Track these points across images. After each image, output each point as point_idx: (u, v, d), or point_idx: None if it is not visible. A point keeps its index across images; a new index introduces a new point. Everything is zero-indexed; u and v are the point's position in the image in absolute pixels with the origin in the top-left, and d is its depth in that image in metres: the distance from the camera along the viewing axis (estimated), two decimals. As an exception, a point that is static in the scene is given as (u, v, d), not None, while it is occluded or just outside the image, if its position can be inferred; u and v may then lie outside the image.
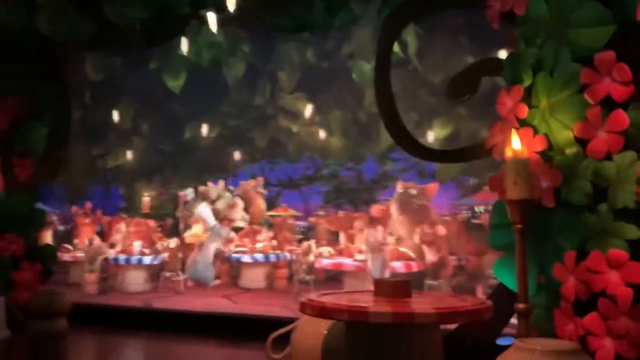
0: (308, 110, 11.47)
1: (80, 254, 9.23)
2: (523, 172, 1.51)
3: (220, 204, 10.59)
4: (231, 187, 11.26)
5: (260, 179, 11.36)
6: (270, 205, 11.98)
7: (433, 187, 8.65)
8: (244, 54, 10.09)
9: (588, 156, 1.47)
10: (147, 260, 8.68)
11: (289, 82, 11.00)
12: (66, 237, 11.19)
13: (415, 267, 7.04)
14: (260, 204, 11.06)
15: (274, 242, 9.43)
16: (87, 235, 9.67)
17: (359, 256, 7.19)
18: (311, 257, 7.94)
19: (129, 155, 13.54)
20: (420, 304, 1.39)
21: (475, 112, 9.41)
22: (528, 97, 1.68)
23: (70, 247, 9.85)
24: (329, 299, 1.48)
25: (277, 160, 14.86)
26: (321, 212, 11.07)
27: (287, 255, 9.11)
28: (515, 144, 1.56)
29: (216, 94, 11.71)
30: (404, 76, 9.15)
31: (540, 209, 1.57)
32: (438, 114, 10.02)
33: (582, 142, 1.49)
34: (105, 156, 13.62)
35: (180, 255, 8.75)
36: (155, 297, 7.91)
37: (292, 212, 11.20)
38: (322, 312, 1.37)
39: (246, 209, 10.85)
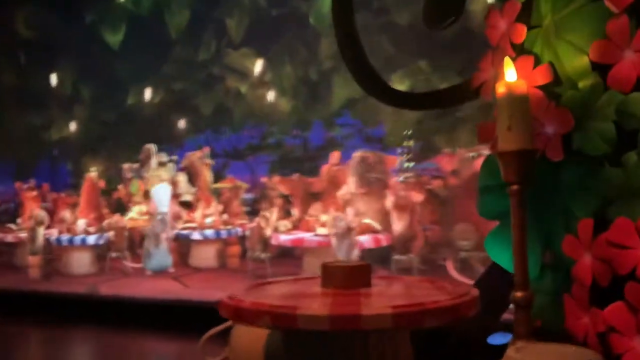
0: (257, 66, 10.99)
1: (24, 234, 9.11)
2: (520, 113, 1.19)
3: (164, 175, 10.29)
4: (174, 157, 11.11)
5: (207, 149, 11.18)
6: (217, 177, 11.88)
7: (392, 159, 8.46)
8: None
9: (610, 88, 1.14)
10: (91, 240, 8.52)
11: (237, 31, 10.44)
12: (12, 215, 11.07)
13: (384, 240, 6.82)
14: (207, 175, 10.89)
15: (225, 217, 9.12)
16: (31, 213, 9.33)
17: (320, 230, 6.91)
18: (267, 232, 7.62)
19: (73, 126, 13.34)
20: (377, 298, 1.08)
21: (438, 64, 9.19)
22: (527, 14, 1.34)
23: (13, 226, 9.77)
24: (256, 295, 1.13)
25: (222, 129, 14.94)
26: (274, 176, 10.96)
27: (239, 230, 8.88)
28: (510, 75, 1.23)
29: (159, 51, 11.17)
30: (363, 19, 8.76)
31: (544, 164, 1.26)
32: (396, 67, 9.74)
33: (601, 68, 1.16)
34: (49, 127, 13.32)
35: (126, 234, 8.46)
36: (101, 280, 7.76)
37: (239, 183, 11.13)
38: (238, 316, 1.04)
39: (191, 182, 10.59)
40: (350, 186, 8.06)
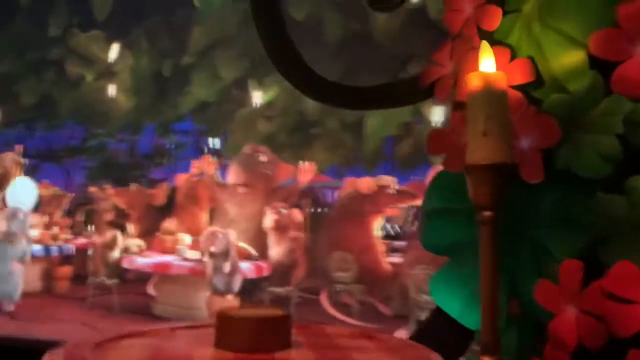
0: (113, 52, 10.12)
1: None
2: (499, 115, 0.97)
3: None
4: None
5: (20, 147, 10.06)
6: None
7: (287, 169, 8.19)
8: None
9: (614, 91, 0.95)
10: None
11: (102, 5, 9.54)
12: None
13: (266, 269, 6.44)
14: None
15: (55, 230, 8.13)
16: None
17: (190, 253, 6.36)
18: (115, 253, 6.89)
19: None
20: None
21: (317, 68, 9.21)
22: (500, -6, 1.14)
23: None
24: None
25: (38, 124, 13.93)
26: (107, 186, 10.24)
27: (70, 247, 8.00)
28: (487, 65, 1.00)
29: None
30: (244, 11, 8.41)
31: (515, 185, 1.03)
32: (272, 69, 9.58)
33: (602, 66, 0.97)
34: None
35: None
36: None
37: (55, 189, 10.31)
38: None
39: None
40: (231, 178, 7.68)
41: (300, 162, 10.27)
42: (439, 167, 1.29)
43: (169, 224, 8.02)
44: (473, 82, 0.98)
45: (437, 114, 8.15)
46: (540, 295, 1.02)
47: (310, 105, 9.42)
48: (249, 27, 9.12)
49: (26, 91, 11.47)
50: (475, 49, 1.06)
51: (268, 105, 9.93)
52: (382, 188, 6.91)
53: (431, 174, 5.77)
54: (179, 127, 13.06)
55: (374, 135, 9.14)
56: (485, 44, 1.03)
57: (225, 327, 0.85)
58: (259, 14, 1.55)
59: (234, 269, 5.82)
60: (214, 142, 13.12)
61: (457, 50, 1.19)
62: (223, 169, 9.02)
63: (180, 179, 8.87)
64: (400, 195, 6.98)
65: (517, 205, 1.07)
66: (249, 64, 9.15)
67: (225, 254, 5.80)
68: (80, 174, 14.87)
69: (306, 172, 7.94)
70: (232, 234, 5.98)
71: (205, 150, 12.68)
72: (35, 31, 10.38)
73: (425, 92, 1.27)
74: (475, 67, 0.99)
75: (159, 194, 9.23)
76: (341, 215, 7.13)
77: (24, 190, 6.80)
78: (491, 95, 0.96)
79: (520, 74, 1.08)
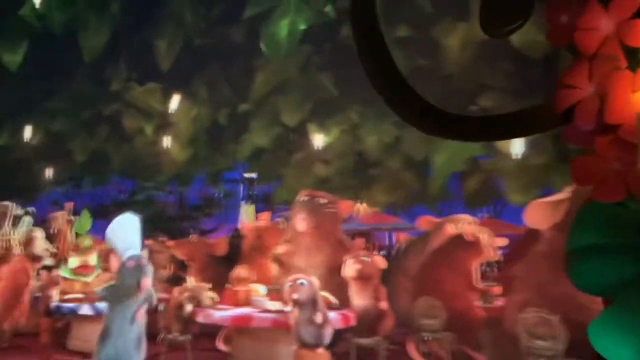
0: (173, 103, 10.11)
1: None
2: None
3: (19, 232, 9.14)
4: (31, 209, 10.11)
5: (70, 205, 10.27)
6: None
7: (347, 205, 7.92)
8: (111, 15, 8.61)
9: None
10: None
11: (167, 55, 9.57)
12: None
13: (352, 319, 6.05)
14: (69, 236, 9.84)
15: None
16: None
17: (270, 304, 6.01)
18: (188, 307, 6.57)
19: None
20: None
21: (374, 114, 9.02)
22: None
23: None
24: None
25: (86, 181, 14.24)
26: (163, 238, 10.05)
27: None
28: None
29: (57, 78, 10.03)
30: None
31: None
32: (333, 111, 9.45)
33: None
34: None
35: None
36: None
37: (107, 245, 10.17)
38: None
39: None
40: (297, 226, 7.37)
41: (358, 203, 10.03)
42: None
43: (241, 272, 7.72)
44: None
45: (517, 146, 7.84)
46: None
47: (371, 145, 9.24)
48: (311, 71, 9.08)
49: (79, 148, 11.55)
50: (621, 69, 1.05)
51: (324, 148, 9.77)
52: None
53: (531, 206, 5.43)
54: (228, 176, 13.00)
55: (441, 172, 8.87)
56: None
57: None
58: (366, 53, 1.56)
59: (325, 320, 5.44)
60: (263, 190, 12.97)
61: (598, 71, 1.12)
62: (277, 216, 8.81)
63: (247, 229, 8.65)
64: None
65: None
66: (310, 108, 9.03)
67: (312, 303, 5.43)
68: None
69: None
70: (317, 281, 5.62)
71: (255, 198, 12.56)
72: (95, 88, 10.47)
73: (558, 117, 1.20)
74: (627, 87, 1.00)
75: (221, 244, 9.02)
76: (433, 259, 6.77)
77: (129, 230, 6.08)
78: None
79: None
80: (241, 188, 13.54)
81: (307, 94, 9.01)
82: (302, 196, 7.71)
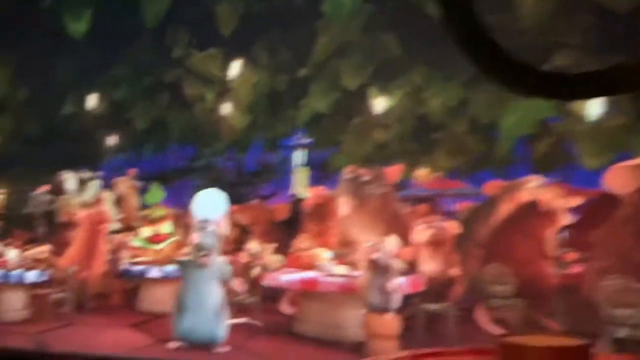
0: (234, 69, 10.09)
1: None
2: None
3: (87, 195, 9.74)
4: (98, 174, 10.51)
5: (133, 171, 10.52)
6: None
7: (395, 170, 7.61)
8: None
9: None
10: (31, 277, 7.27)
11: (228, 21, 9.53)
12: None
13: (421, 284, 6.00)
14: (134, 201, 10.22)
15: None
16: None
17: (337, 269, 6.01)
18: (255, 271, 6.66)
19: None
20: None
21: (440, 76, 8.63)
22: None
23: None
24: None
25: (146, 149, 14.36)
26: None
27: None
28: None
29: (119, 44, 10.18)
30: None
31: None
32: (395, 74, 9.13)
33: None
34: None
35: (72, 269, 7.27)
36: (42, 329, 6.64)
37: (171, 210, 10.37)
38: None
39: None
40: (342, 208, 7.20)
41: (418, 168, 9.80)
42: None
43: (304, 237, 7.76)
44: None
45: (592, 107, 7.38)
46: None
47: (434, 108, 8.98)
48: (373, 31, 8.82)
49: (139, 116, 11.75)
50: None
51: (384, 113, 9.55)
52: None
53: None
54: (285, 142, 12.97)
55: (509, 135, 8.55)
56: None
57: (515, 357, 0.79)
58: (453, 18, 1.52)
59: (395, 285, 5.40)
60: (320, 156, 12.92)
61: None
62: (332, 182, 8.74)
63: (311, 195, 8.63)
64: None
65: None
66: (371, 70, 8.81)
67: (385, 267, 5.39)
68: (188, 194, 14.98)
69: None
70: (393, 244, 5.54)
71: (310, 164, 12.55)
72: (156, 55, 10.57)
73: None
74: None
75: (281, 209, 9.09)
76: (504, 225, 6.57)
77: (212, 201, 6.48)
78: None
79: None
80: (297, 154, 13.52)
81: (369, 56, 8.79)
82: (346, 173, 7.36)
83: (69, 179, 9.97)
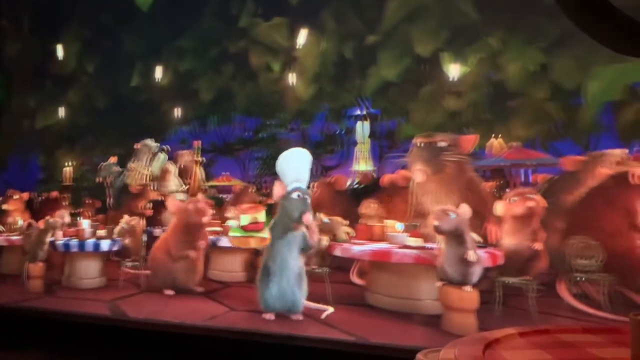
0: (300, 38, 10.04)
1: (15, 237, 8.55)
2: None
3: (155, 167, 10.18)
4: (166, 147, 10.70)
5: (198, 143, 10.65)
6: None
7: (469, 139, 7.26)
8: None
9: None
10: (105, 245, 7.61)
11: None
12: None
13: (501, 258, 5.87)
14: (198, 172, 10.52)
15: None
16: (18, 213, 9.07)
17: (411, 241, 5.95)
18: (324, 241, 6.68)
19: (61, 112, 13.15)
20: None
21: (519, 40, 8.22)
22: None
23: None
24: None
25: (210, 121, 14.63)
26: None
27: None
28: None
29: (186, 19, 10.36)
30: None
31: None
32: (471, 38, 8.78)
33: None
34: (33, 115, 12.79)
35: (144, 239, 7.56)
36: (116, 297, 6.99)
37: (235, 181, 10.52)
38: None
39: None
40: (416, 177, 6.88)
41: (493, 138, 9.50)
42: None
43: (370, 207, 7.72)
44: None
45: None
46: None
47: (512, 74, 8.65)
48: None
49: (205, 87, 11.94)
50: None
51: (458, 80, 9.28)
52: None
53: None
54: (350, 112, 12.89)
55: (594, 101, 8.14)
56: None
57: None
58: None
59: (476, 257, 5.28)
60: (386, 126, 12.77)
61: None
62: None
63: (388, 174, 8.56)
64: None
65: None
66: (446, 36, 8.54)
67: (457, 237, 5.28)
68: (253, 166, 15.33)
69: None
70: (466, 211, 5.40)
71: (376, 135, 12.45)
72: (222, 25, 10.67)
73: None
74: None
75: (341, 179, 9.15)
76: (589, 197, 6.31)
77: (300, 163, 6.15)
78: None
79: None
80: (362, 125, 13.41)
81: (444, 20, 8.52)
82: (418, 141, 6.96)
83: (140, 150, 10.31)
